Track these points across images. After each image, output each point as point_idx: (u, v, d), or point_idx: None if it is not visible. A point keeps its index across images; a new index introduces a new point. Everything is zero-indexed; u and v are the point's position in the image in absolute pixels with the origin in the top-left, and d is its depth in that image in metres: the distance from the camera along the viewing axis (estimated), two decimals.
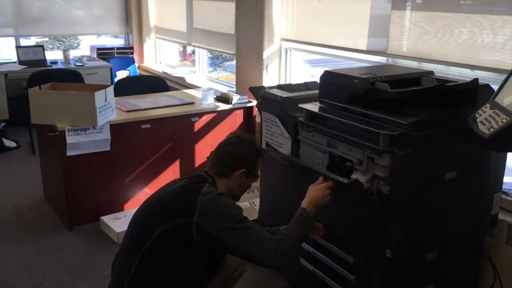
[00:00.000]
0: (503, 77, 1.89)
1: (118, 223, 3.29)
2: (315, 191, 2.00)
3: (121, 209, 3.52)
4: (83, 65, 5.70)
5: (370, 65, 3.16)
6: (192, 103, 3.88)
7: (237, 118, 3.96)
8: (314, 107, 2.30)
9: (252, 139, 2.01)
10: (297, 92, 2.65)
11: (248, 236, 1.74)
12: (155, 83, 4.60)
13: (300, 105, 2.36)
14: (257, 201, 3.39)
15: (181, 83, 5.40)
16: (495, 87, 1.94)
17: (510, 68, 1.88)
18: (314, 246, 2.38)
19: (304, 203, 1.97)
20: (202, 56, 5.47)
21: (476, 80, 2.04)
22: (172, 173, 3.68)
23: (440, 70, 2.62)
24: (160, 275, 1.75)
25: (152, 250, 1.74)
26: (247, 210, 3.46)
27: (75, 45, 10.09)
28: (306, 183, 2.34)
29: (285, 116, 2.47)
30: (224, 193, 1.86)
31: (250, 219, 1.81)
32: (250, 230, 1.75)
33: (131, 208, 3.53)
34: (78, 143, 3.21)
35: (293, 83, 2.88)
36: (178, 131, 3.69)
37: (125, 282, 1.77)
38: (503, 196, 2.30)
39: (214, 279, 1.90)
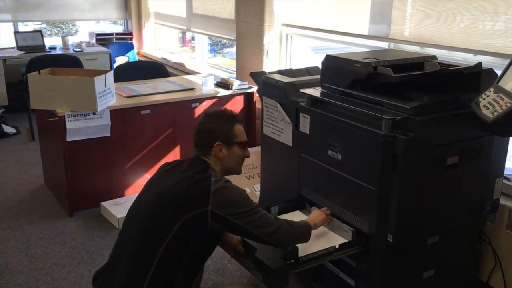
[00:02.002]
0: (506, 61, 1.88)
1: (119, 208, 3.29)
2: (317, 213, 2.15)
3: (122, 195, 3.52)
4: (82, 51, 5.66)
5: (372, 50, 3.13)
6: (192, 89, 3.86)
7: (238, 104, 3.95)
8: (315, 92, 2.29)
9: (217, 111, 2.00)
10: (298, 77, 2.63)
11: (259, 220, 1.80)
12: (154, 69, 4.58)
13: (301, 90, 2.34)
14: (257, 187, 3.39)
15: (181, 69, 5.37)
16: (499, 72, 1.93)
17: None
18: None
19: (308, 219, 2.09)
20: (202, 42, 5.43)
21: (479, 64, 2.02)
22: (172, 158, 3.66)
23: (442, 55, 2.60)
24: (178, 270, 1.76)
25: (171, 247, 1.73)
26: None
27: (73, 31, 10.01)
28: (307, 168, 2.34)
29: (286, 101, 2.46)
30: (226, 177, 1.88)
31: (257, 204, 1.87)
32: (261, 215, 1.81)
33: (132, 193, 3.53)
34: (78, 128, 3.20)
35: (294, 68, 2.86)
36: (178, 117, 3.67)
37: (144, 283, 1.73)
38: (504, 181, 2.30)
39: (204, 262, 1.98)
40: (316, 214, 2.15)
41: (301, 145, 2.39)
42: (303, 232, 1.95)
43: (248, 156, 2.01)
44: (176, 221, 1.72)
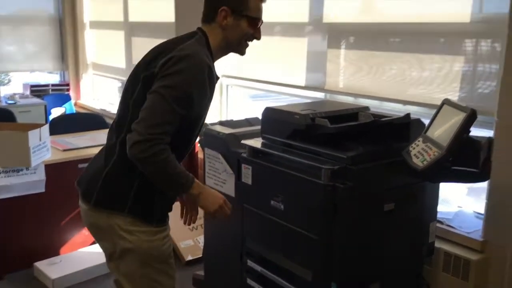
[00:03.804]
0: (432, 111, 2.02)
1: (54, 268, 3.12)
2: (216, 196, 1.75)
3: (57, 254, 3.34)
4: (15, 103, 5.46)
5: (309, 100, 3.25)
6: None
7: None
8: (256, 143, 2.33)
9: None
10: (239, 128, 2.67)
11: (159, 107, 1.54)
12: (93, 121, 4.47)
13: (242, 141, 2.38)
14: (201, 239, 3.34)
15: None
16: (426, 121, 2.06)
17: (438, 103, 2.01)
18: (263, 265, 2.35)
19: (200, 184, 1.71)
20: None
21: (408, 115, 2.15)
22: None
23: (374, 105, 2.75)
24: None
25: (135, 104, 1.64)
26: (191, 248, 3.39)
27: (6, 81, 9.67)
28: (250, 219, 2.35)
29: (228, 152, 2.48)
30: (209, 50, 1.70)
31: (185, 108, 1.59)
32: (167, 107, 1.54)
33: (68, 251, 3.37)
34: (10, 185, 3.04)
35: (234, 118, 2.91)
36: None
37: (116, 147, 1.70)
38: (438, 224, 2.41)
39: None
40: (214, 195, 1.74)
41: (244, 196, 2.39)
42: (169, 174, 1.58)
43: (258, 39, 1.77)
44: (139, 81, 1.65)
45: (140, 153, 1.52)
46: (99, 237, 1.84)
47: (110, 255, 1.82)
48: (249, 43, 1.80)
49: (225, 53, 1.80)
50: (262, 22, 1.76)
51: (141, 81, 1.65)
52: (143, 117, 1.55)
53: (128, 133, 1.58)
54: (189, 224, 1.87)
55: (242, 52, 1.81)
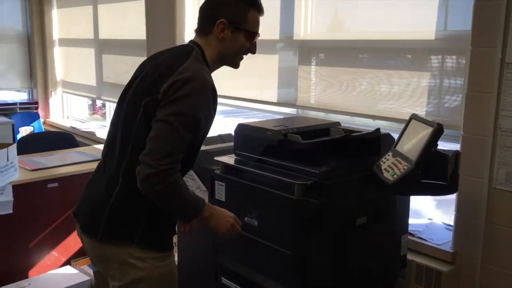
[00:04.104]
0: (401, 125, 2.07)
1: None
2: (226, 215, 1.75)
3: (26, 277, 3.23)
4: None
5: (281, 116, 3.29)
6: None
7: None
8: (229, 159, 2.33)
9: None
10: (213, 144, 2.67)
11: (168, 136, 1.50)
12: (62, 139, 4.40)
13: (216, 158, 2.37)
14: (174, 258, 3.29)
15: (91, 138, 5.22)
16: (395, 135, 2.11)
17: (406, 117, 2.06)
18: (238, 283, 2.33)
19: (210, 205, 1.74)
20: (113, 109, 5.34)
21: (378, 129, 2.19)
22: None
23: (345, 120, 2.79)
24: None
25: (139, 132, 1.59)
26: None
27: None
28: (224, 239, 2.33)
29: (201, 169, 2.47)
30: (208, 67, 1.68)
31: (194, 133, 1.57)
32: (175, 134, 1.51)
33: (37, 274, 3.26)
34: None
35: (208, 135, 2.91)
36: None
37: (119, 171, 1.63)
38: (409, 237, 2.44)
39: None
40: (224, 215, 1.74)
41: None
42: (184, 201, 1.59)
43: (253, 53, 1.76)
44: (140, 107, 1.59)
45: (154, 186, 1.49)
46: (105, 267, 1.75)
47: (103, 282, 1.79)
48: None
49: (219, 65, 1.79)
50: (259, 35, 1.76)
51: (142, 107, 1.60)
52: (152, 148, 1.50)
53: (133, 164, 1.54)
54: (188, 234, 1.85)
55: (236, 66, 1.79)
